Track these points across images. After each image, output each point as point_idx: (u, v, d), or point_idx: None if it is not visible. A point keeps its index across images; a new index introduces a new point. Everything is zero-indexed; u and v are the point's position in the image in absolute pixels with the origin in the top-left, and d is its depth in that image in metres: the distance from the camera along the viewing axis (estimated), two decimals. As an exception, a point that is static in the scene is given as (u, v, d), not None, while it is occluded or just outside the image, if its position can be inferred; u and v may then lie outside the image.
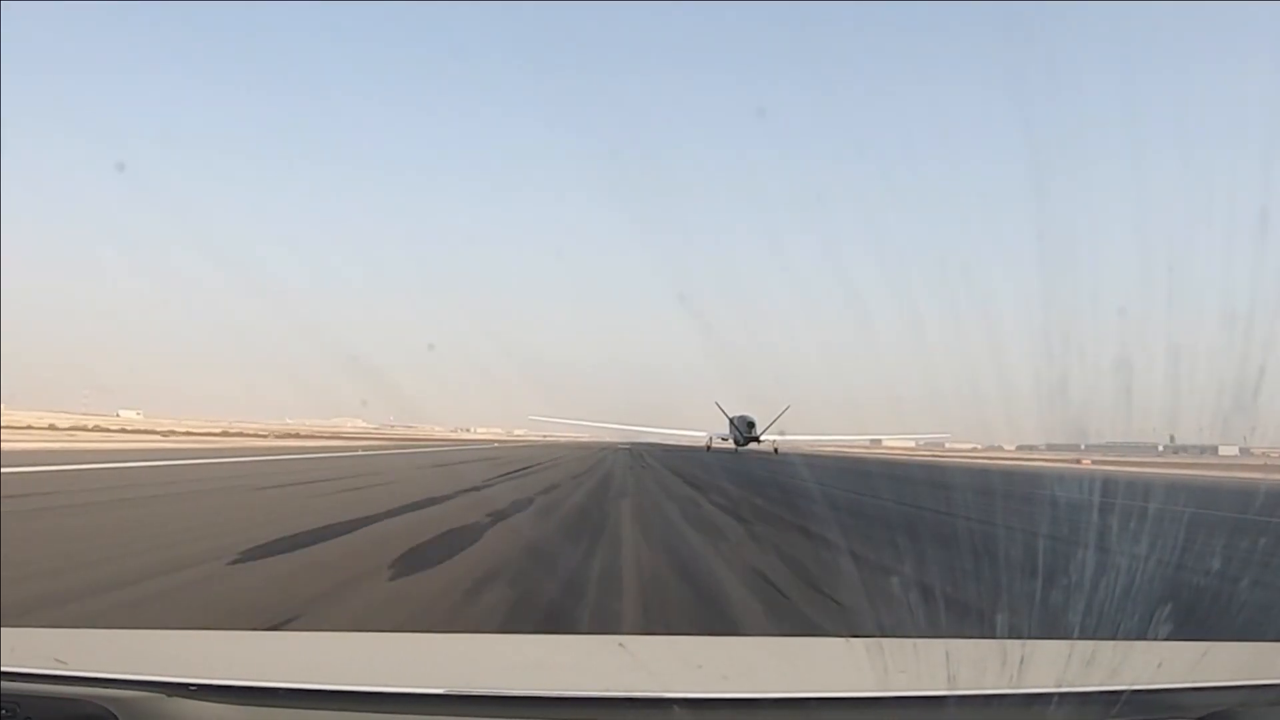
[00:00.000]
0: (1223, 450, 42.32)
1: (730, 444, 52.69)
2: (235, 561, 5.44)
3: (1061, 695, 1.45)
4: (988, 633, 2.15)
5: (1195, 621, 2.84)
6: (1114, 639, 1.85)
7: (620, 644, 2.05)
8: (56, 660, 1.56)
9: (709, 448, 51.82)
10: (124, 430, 45.75)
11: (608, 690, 1.57)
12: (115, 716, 1.38)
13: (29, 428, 35.68)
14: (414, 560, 5.89)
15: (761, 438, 51.92)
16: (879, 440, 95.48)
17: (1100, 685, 1.49)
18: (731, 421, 52.80)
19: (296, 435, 54.12)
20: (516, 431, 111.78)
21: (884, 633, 2.10)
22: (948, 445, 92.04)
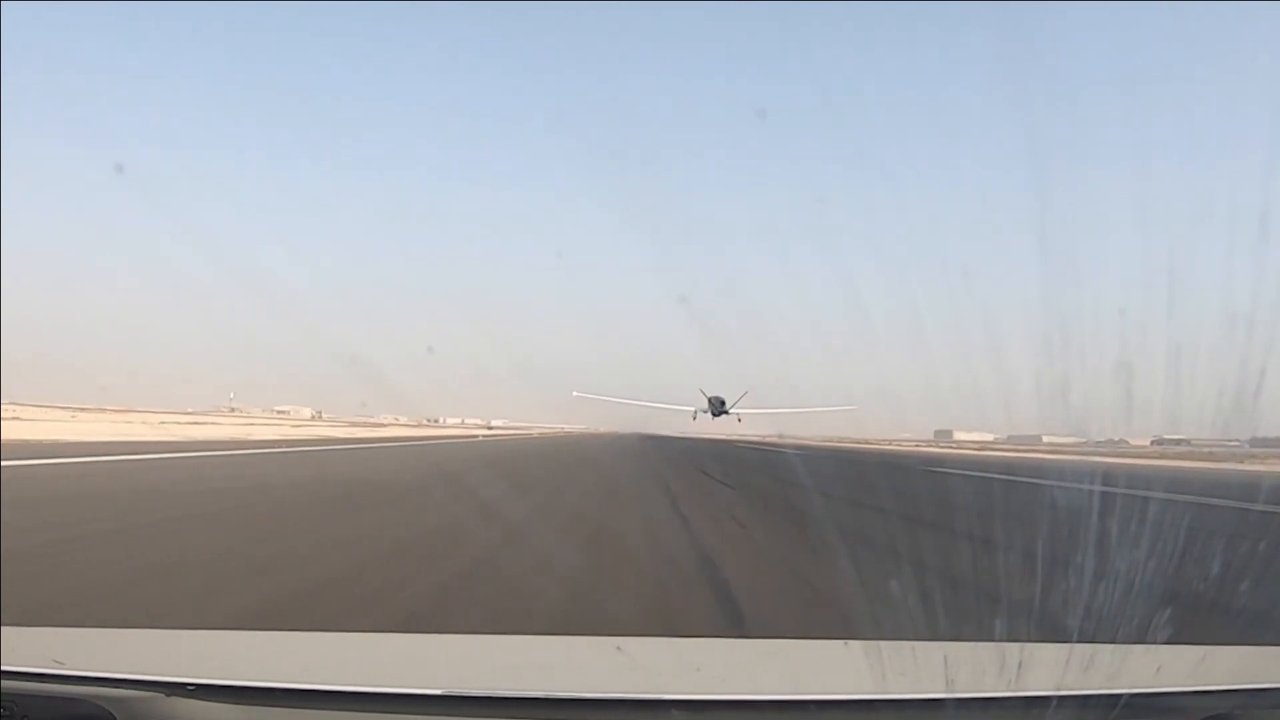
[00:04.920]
0: None
1: (709, 416, 77.69)
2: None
3: (1060, 699, 1.45)
4: (986, 635, 2.14)
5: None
6: (1113, 642, 1.84)
7: (618, 646, 2.05)
8: (55, 660, 1.56)
9: (695, 418, 77.40)
10: None
11: (606, 692, 1.56)
12: (114, 716, 1.38)
13: None
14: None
15: (730, 411, 75.64)
16: (949, 433, 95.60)
17: (1099, 689, 1.48)
18: (709, 400, 76.18)
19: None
20: (495, 423, 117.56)
21: (882, 635, 2.10)
22: (1045, 439, 72.80)
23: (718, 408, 75.32)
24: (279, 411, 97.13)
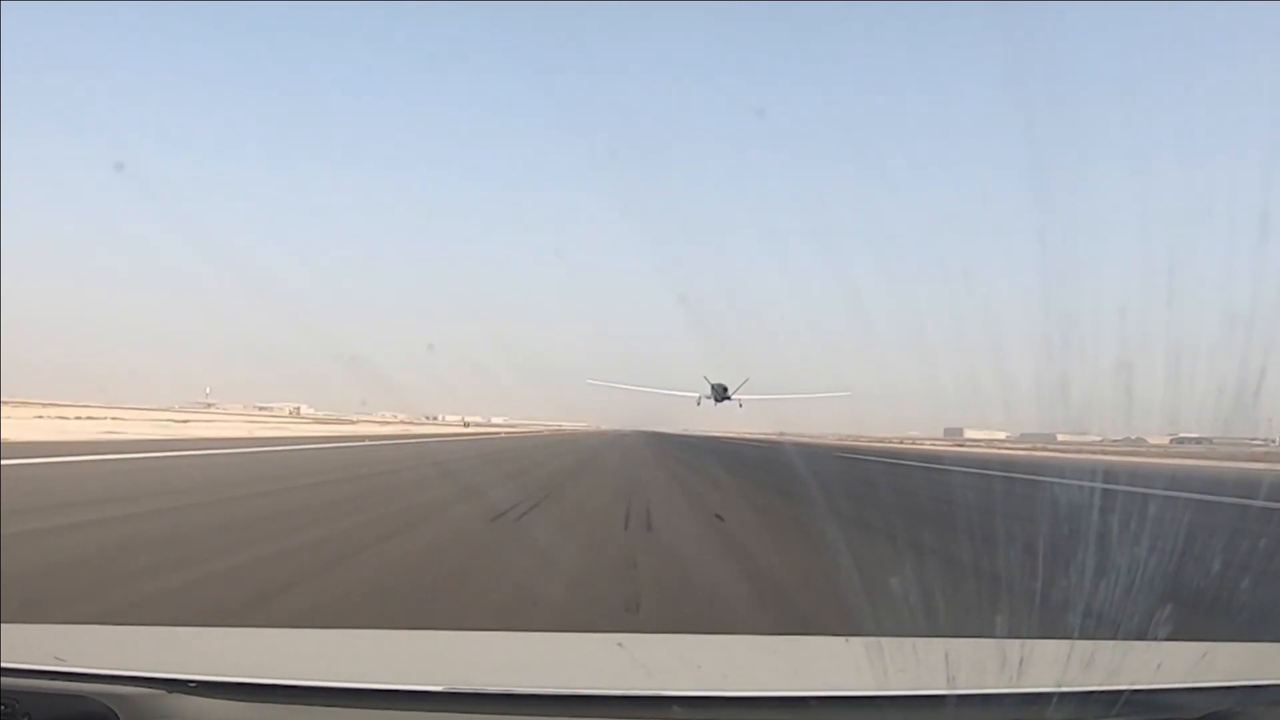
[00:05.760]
0: None
1: (712, 401, 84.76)
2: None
3: (1061, 695, 1.45)
4: (987, 632, 2.14)
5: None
6: (1113, 639, 1.85)
7: (619, 643, 2.05)
8: (56, 657, 1.55)
9: (699, 403, 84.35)
10: None
11: (607, 688, 1.56)
12: (115, 713, 1.38)
13: None
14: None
15: (731, 397, 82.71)
16: (959, 430, 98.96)
17: (1100, 685, 1.49)
18: (712, 387, 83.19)
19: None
20: (495, 420, 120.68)
21: (883, 632, 2.10)
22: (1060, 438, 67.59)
23: (720, 394, 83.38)
24: (261, 408, 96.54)
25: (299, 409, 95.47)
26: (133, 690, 1.42)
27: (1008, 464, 26.45)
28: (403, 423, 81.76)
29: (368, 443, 28.43)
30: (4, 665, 1.43)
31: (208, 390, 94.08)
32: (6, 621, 1.98)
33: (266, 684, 1.49)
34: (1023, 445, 67.37)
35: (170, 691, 1.42)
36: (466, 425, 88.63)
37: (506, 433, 70.40)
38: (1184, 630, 1.89)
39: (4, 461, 12.29)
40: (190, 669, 1.51)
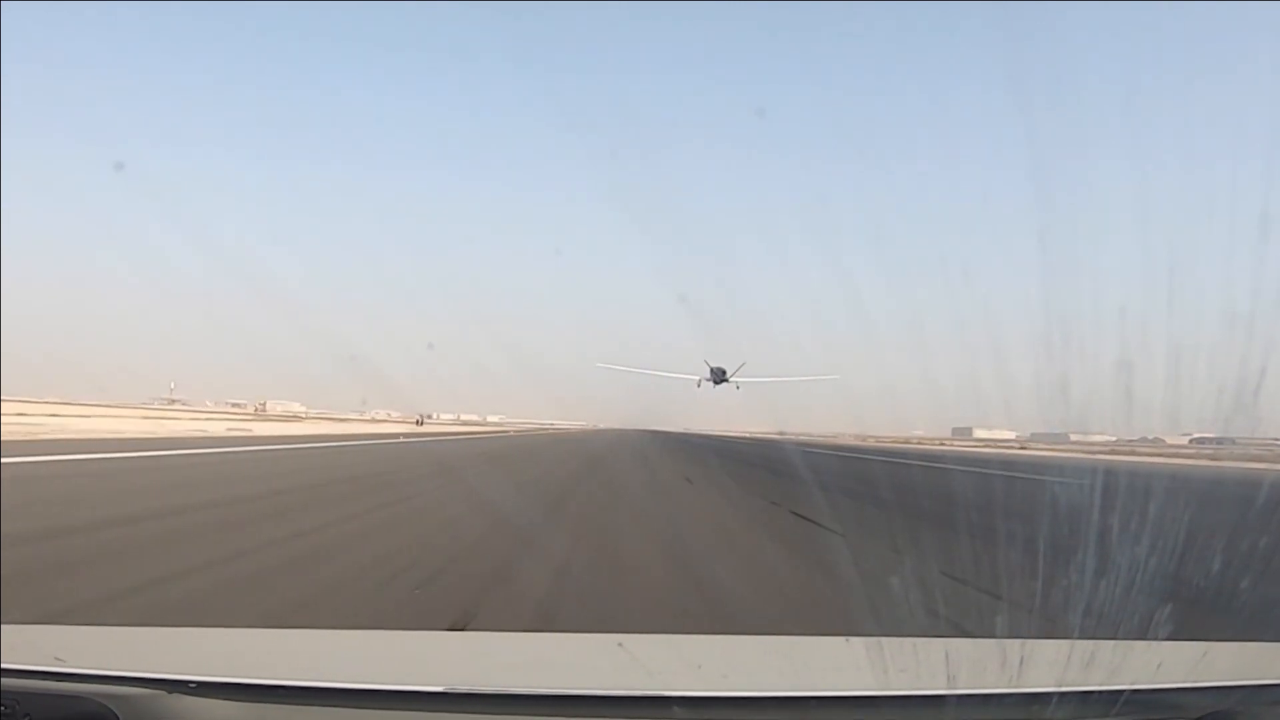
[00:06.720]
0: None
1: (712, 384, 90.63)
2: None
3: (1061, 695, 1.45)
4: (987, 632, 2.15)
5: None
6: (1114, 639, 1.85)
7: (619, 643, 2.04)
8: (56, 658, 1.55)
9: (699, 385, 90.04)
10: None
11: (607, 688, 1.56)
12: (115, 714, 1.38)
13: None
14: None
15: (729, 379, 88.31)
16: (968, 430, 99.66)
17: (1100, 685, 1.49)
18: (711, 370, 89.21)
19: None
20: (491, 418, 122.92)
21: (884, 632, 2.09)
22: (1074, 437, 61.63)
23: (719, 377, 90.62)
24: (233, 404, 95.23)
25: (264, 405, 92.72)
26: (132, 691, 1.42)
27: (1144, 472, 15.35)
28: (371, 419, 78.15)
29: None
30: (4, 666, 1.43)
31: (172, 386, 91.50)
32: (6, 623, 1.98)
33: (266, 684, 1.49)
34: (1058, 446, 60.57)
35: (170, 692, 1.42)
36: (419, 424, 70.39)
37: (492, 432, 64.23)
38: (1184, 629, 1.89)
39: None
40: (190, 669, 1.51)
